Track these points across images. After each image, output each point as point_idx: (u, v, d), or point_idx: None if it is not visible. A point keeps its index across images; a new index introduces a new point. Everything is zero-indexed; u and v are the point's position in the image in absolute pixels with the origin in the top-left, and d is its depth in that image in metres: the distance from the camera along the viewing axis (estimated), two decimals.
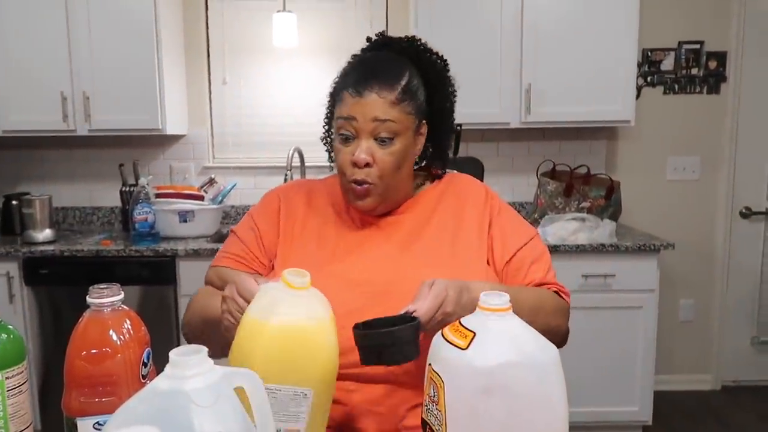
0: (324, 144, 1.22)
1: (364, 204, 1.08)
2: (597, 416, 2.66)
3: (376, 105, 1.02)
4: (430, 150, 1.16)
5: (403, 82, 1.05)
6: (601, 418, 2.66)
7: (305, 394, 0.79)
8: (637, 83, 2.96)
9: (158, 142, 3.14)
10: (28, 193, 2.93)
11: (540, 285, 1.10)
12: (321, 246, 1.10)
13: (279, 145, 3.13)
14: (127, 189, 2.98)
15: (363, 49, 1.17)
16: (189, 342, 1.11)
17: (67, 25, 2.71)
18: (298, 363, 0.78)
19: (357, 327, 0.85)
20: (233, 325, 0.85)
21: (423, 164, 1.20)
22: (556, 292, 1.11)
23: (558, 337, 1.07)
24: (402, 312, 0.88)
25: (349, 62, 1.15)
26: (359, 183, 1.05)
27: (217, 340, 0.98)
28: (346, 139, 1.05)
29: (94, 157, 3.16)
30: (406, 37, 1.14)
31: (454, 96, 1.17)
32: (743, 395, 3.21)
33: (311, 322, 0.79)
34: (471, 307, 0.84)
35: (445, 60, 1.16)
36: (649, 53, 3.12)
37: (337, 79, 1.14)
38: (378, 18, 3.12)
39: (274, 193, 1.20)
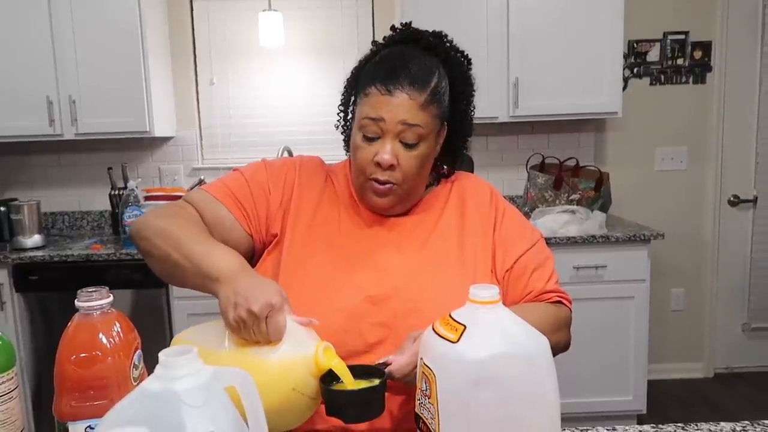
0: (342, 133, 1.16)
1: (382, 203, 1.04)
2: (591, 407, 2.67)
3: (405, 106, 0.98)
4: (445, 151, 1.12)
5: (433, 84, 1.01)
6: (596, 408, 2.68)
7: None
8: (623, 75, 2.97)
9: (146, 144, 3.13)
10: (16, 199, 2.91)
11: (541, 294, 1.07)
12: (329, 245, 1.06)
13: (268, 145, 3.12)
14: (116, 192, 2.96)
15: (386, 38, 1.11)
16: (141, 248, 1.00)
17: (51, 29, 2.69)
18: (276, 423, 0.80)
19: (326, 377, 0.82)
20: (236, 330, 0.82)
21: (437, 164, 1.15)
22: (558, 300, 1.08)
23: (559, 350, 1.04)
24: (381, 361, 0.88)
25: (372, 51, 1.10)
26: (380, 182, 1.02)
27: (179, 278, 0.94)
28: (370, 138, 1.01)
29: (82, 161, 3.14)
30: (434, 32, 1.10)
31: (473, 96, 1.13)
32: (736, 382, 3.24)
33: (311, 401, 0.82)
34: None
35: (470, 59, 1.12)
36: (635, 44, 3.14)
37: (358, 67, 1.10)
38: (364, 16, 3.12)
39: (293, 167, 1.13)
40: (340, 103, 1.14)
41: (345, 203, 1.11)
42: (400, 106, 0.98)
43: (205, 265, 0.89)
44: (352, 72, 1.11)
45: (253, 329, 0.81)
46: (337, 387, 0.82)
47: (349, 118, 1.13)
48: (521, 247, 1.08)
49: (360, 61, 1.11)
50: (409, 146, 1.01)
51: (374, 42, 1.12)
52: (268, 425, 0.78)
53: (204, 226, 1.03)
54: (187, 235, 0.96)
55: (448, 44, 1.10)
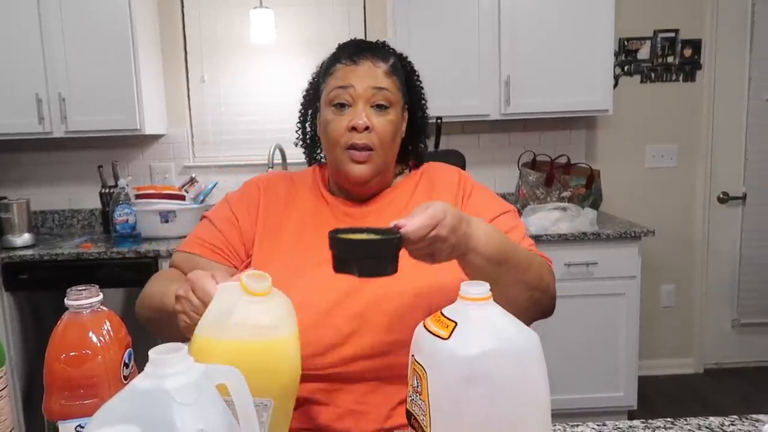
0: (302, 144, 1.19)
1: (362, 171, 1.04)
2: (582, 403, 2.69)
3: (372, 73, 1.03)
4: (408, 145, 1.17)
5: (392, 60, 1.07)
6: (587, 404, 2.70)
7: (265, 405, 0.75)
8: (614, 72, 2.98)
9: (137, 142, 3.11)
10: (5, 197, 2.88)
11: None
12: (298, 244, 1.06)
13: (260, 143, 3.12)
14: (107, 191, 2.95)
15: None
16: (144, 325, 1.05)
17: (40, 26, 2.67)
18: (257, 377, 0.71)
19: (335, 232, 0.78)
20: (189, 326, 0.79)
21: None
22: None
23: (547, 296, 1.02)
24: (391, 225, 0.80)
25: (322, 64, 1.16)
26: (359, 148, 1.03)
27: (173, 332, 0.93)
28: (341, 107, 1.04)
29: (72, 159, 3.12)
30: (377, 41, 1.16)
31: (425, 101, 1.19)
32: (725, 377, 3.27)
33: (269, 334, 0.73)
34: (465, 241, 0.83)
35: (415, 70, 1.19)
36: (626, 42, 3.15)
37: (318, 68, 1.15)
38: (355, 13, 3.11)
39: (254, 185, 1.16)
40: (298, 120, 1.18)
41: (315, 199, 1.13)
42: (367, 72, 1.04)
43: (166, 304, 0.91)
44: (307, 89, 1.16)
45: (190, 311, 0.79)
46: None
47: (308, 130, 1.18)
48: (487, 216, 1.06)
49: (312, 77, 1.17)
50: (380, 109, 1.04)
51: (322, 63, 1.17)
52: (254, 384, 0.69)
53: (179, 278, 1.03)
54: (158, 287, 1.01)
55: (392, 50, 1.15)
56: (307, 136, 1.19)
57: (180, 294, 0.81)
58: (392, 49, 1.16)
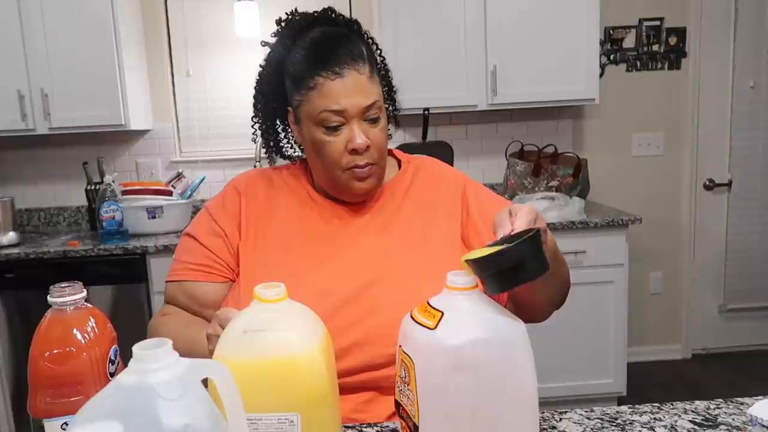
0: (265, 144, 1.13)
1: (365, 186, 1.03)
2: (573, 390, 2.71)
3: (359, 83, 0.97)
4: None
5: (365, 50, 1.02)
6: (577, 391, 2.72)
7: (291, 421, 0.71)
8: (600, 61, 2.99)
9: (122, 138, 3.08)
10: None
11: None
12: (285, 250, 1.03)
13: (246, 137, 3.06)
14: (93, 187, 2.92)
15: (276, 33, 1.11)
16: None
17: (20, 21, 2.63)
18: (279, 391, 0.70)
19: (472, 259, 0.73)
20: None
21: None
22: None
23: (568, 287, 1.08)
24: (499, 238, 0.78)
25: (274, 46, 1.09)
26: (361, 167, 1.00)
27: None
28: (334, 128, 0.99)
29: (57, 156, 3.09)
30: (326, 10, 1.11)
31: (390, 73, 1.14)
32: (713, 362, 3.30)
33: (285, 345, 0.71)
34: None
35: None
36: (611, 31, 3.16)
37: (270, 60, 1.09)
38: (341, 4, 3.09)
39: (233, 188, 1.12)
40: (256, 120, 1.12)
41: (299, 199, 1.10)
42: (355, 86, 0.98)
43: (195, 352, 0.85)
44: (261, 86, 1.11)
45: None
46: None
47: (262, 113, 1.12)
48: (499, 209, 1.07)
49: (263, 68, 1.11)
50: (373, 122, 1.01)
51: (266, 43, 1.12)
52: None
53: (195, 320, 1.04)
54: (177, 335, 0.92)
55: (341, 15, 1.11)
56: (269, 135, 1.13)
57: (210, 332, 0.81)
58: (346, 19, 1.08)
